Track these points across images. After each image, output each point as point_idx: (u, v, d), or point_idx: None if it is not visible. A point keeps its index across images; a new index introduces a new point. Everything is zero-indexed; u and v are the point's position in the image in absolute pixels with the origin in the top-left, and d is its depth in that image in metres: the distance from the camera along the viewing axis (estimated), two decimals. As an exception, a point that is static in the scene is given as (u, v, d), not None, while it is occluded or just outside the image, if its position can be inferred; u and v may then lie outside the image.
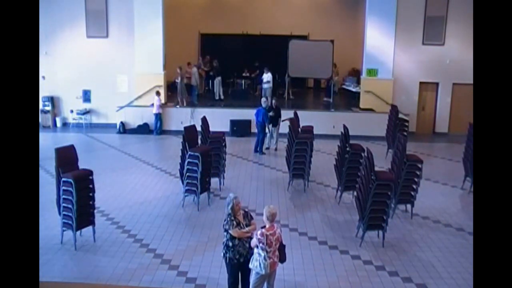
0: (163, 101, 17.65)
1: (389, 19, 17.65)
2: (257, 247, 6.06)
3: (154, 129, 17.38)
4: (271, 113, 14.64)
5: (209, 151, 10.51)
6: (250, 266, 6.19)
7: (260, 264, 6.03)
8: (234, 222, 6.27)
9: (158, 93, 17.17)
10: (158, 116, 17.25)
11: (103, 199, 10.27)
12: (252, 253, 6.20)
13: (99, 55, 18.21)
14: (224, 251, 6.36)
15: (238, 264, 6.34)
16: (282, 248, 6.27)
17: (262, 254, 6.01)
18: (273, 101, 15.02)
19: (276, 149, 15.12)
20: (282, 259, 6.31)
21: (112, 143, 16.09)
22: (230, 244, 6.27)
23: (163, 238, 8.68)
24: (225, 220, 6.32)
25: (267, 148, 15.04)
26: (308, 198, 11.03)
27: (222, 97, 19.66)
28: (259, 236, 6.00)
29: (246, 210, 6.73)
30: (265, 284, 6.32)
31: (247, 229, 6.31)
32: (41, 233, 8.00)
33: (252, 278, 6.22)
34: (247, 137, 16.34)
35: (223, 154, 11.52)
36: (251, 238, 6.25)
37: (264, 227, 6.13)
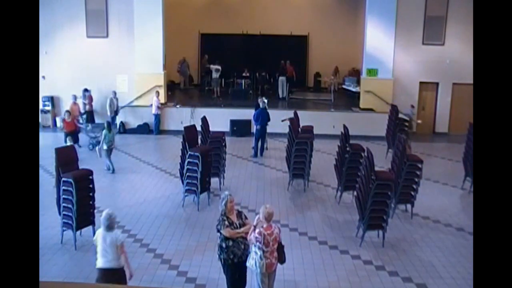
0: (161, 101, 17.63)
1: (389, 19, 17.65)
2: (254, 245, 6.07)
3: (154, 129, 17.36)
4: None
5: (209, 151, 10.52)
6: (247, 264, 6.21)
7: (256, 263, 6.04)
8: (226, 222, 6.20)
9: (157, 93, 17.18)
10: (158, 117, 17.22)
11: (103, 199, 10.27)
12: (248, 254, 6.21)
13: (99, 55, 18.20)
14: (218, 253, 6.35)
15: (233, 265, 6.30)
16: (281, 248, 6.25)
17: (258, 253, 6.02)
18: (266, 100, 14.97)
19: (267, 148, 15.10)
20: (282, 259, 6.29)
21: (112, 143, 16.05)
22: (224, 245, 6.23)
23: (163, 238, 8.68)
24: (218, 221, 6.30)
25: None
26: (308, 198, 11.03)
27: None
28: (256, 235, 6.00)
29: (240, 210, 6.69)
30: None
31: (242, 229, 6.24)
32: (41, 233, 8.01)
33: (257, 279, 6.22)
34: (247, 137, 16.34)
35: (223, 154, 11.52)
36: (245, 238, 6.24)
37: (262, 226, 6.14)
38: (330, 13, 23.51)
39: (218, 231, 6.28)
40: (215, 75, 20.42)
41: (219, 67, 20.49)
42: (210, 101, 19.35)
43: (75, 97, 16.32)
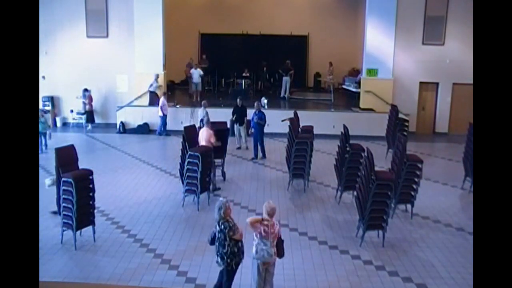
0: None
1: (389, 19, 17.65)
2: (255, 239, 6.18)
3: (164, 130, 17.20)
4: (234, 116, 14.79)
5: (209, 151, 10.52)
6: (256, 257, 6.22)
7: (267, 252, 6.15)
8: (235, 227, 6.23)
9: (165, 94, 17.15)
10: (164, 118, 17.09)
11: (103, 199, 10.27)
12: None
13: (99, 55, 18.21)
14: (228, 260, 6.20)
15: (239, 264, 6.40)
16: (281, 243, 6.36)
17: (268, 243, 6.14)
18: (239, 101, 14.90)
19: (247, 148, 15.04)
20: (281, 254, 6.40)
21: (112, 143, 16.09)
22: (236, 249, 6.21)
23: (163, 238, 8.68)
24: (225, 228, 6.14)
25: (239, 148, 15.09)
26: (308, 198, 11.03)
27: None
28: (263, 233, 6.13)
29: None
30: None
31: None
32: (41, 233, 8.01)
33: (254, 272, 6.28)
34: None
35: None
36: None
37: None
38: (330, 13, 23.50)
39: (230, 238, 6.14)
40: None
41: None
42: (210, 101, 19.29)
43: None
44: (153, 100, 17.71)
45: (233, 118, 14.84)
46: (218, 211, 6.20)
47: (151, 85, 17.75)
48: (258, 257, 6.21)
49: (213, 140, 10.89)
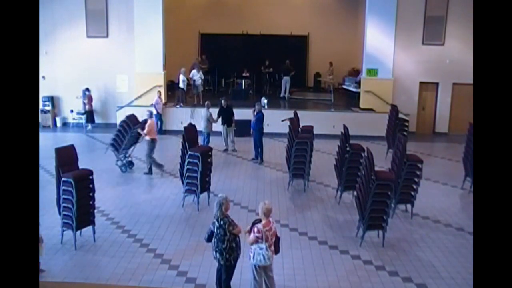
0: (163, 101, 17.63)
1: (389, 19, 17.64)
2: (257, 242, 6.14)
3: (160, 129, 17.19)
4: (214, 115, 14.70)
5: (209, 151, 10.53)
6: (253, 262, 6.21)
7: (264, 257, 6.13)
8: (233, 222, 6.31)
9: (159, 93, 17.18)
10: (159, 117, 17.17)
11: (103, 199, 10.27)
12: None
13: (99, 55, 18.22)
14: (227, 256, 6.25)
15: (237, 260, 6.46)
16: (277, 241, 6.41)
17: (264, 246, 6.12)
18: (223, 101, 14.89)
19: (235, 150, 14.98)
20: (277, 251, 6.48)
21: (112, 143, 16.05)
22: (234, 244, 6.26)
23: (163, 238, 8.68)
24: (225, 224, 6.20)
25: (226, 150, 15.01)
26: (308, 198, 11.03)
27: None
28: (256, 234, 6.09)
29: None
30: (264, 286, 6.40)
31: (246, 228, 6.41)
32: (41, 233, 8.00)
33: (253, 274, 6.29)
34: (247, 137, 16.33)
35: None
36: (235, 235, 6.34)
37: (259, 220, 6.23)
38: (330, 13, 23.50)
39: (229, 233, 6.20)
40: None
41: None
42: (210, 101, 19.26)
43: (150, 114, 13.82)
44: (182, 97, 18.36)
45: (217, 118, 14.72)
46: (219, 208, 6.23)
47: (183, 81, 18.00)
48: (255, 262, 6.21)
49: None
